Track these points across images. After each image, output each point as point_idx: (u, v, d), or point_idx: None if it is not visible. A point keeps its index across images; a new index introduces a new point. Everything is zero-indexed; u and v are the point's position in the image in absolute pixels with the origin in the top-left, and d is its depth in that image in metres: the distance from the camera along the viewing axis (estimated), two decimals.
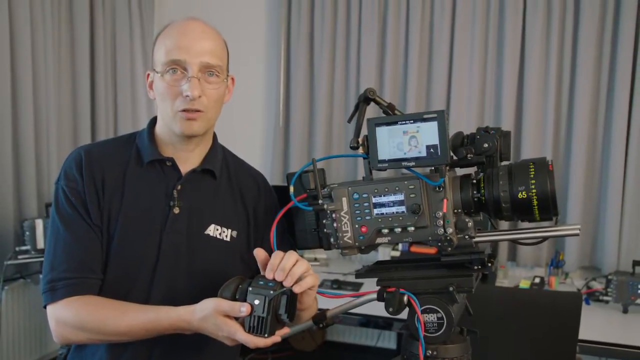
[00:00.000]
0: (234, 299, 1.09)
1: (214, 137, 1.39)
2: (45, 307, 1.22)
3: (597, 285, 2.89)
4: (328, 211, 1.12)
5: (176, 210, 1.27)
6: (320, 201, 1.13)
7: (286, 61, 3.64)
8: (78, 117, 3.33)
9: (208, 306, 1.10)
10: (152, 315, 1.16)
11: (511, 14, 3.20)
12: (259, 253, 1.14)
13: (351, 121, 1.17)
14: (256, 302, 1.06)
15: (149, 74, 1.31)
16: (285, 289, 1.07)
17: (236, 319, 1.09)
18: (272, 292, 1.06)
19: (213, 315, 1.08)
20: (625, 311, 2.61)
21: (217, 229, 1.31)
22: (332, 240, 1.14)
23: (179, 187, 1.29)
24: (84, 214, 1.23)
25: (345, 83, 3.55)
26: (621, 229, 3.08)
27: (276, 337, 1.08)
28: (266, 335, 1.06)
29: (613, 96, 3.10)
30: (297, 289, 1.09)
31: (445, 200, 1.04)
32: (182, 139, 1.28)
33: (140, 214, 1.26)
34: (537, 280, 2.90)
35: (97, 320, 1.17)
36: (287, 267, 1.09)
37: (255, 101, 3.76)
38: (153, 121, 1.35)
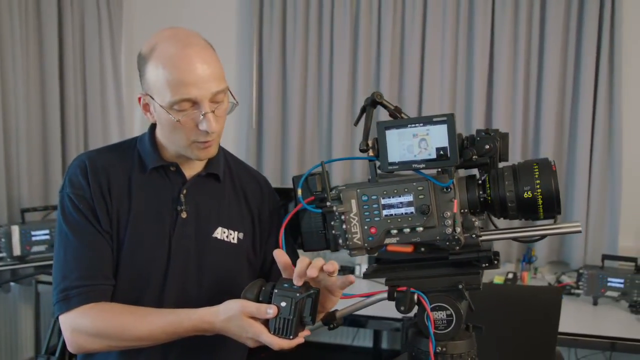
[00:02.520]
0: (257, 301, 1.09)
1: None
2: (57, 317, 1.20)
3: (567, 280, 3.00)
4: (337, 213, 1.14)
5: (184, 215, 1.27)
6: (328, 203, 1.15)
7: (258, 62, 3.63)
8: (47, 121, 3.26)
9: (233, 307, 1.10)
10: (172, 318, 1.15)
11: (480, 14, 3.28)
12: (280, 255, 1.14)
13: (357, 124, 1.19)
14: (283, 304, 1.07)
15: (140, 97, 1.27)
16: (311, 291, 1.08)
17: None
18: (298, 294, 1.07)
19: (239, 316, 1.09)
20: (595, 303, 2.72)
21: (224, 232, 1.31)
22: (340, 241, 1.15)
23: (184, 191, 1.29)
24: (93, 220, 1.22)
25: (318, 83, 3.57)
26: (587, 225, 3.20)
27: (300, 339, 1.09)
28: (291, 337, 1.07)
29: (578, 97, 3.21)
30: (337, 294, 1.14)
31: (455, 201, 1.07)
32: None
33: (149, 220, 1.25)
34: (510, 275, 2.99)
35: (116, 327, 1.16)
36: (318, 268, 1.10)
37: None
38: (153, 126, 1.34)
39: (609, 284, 2.66)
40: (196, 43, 1.20)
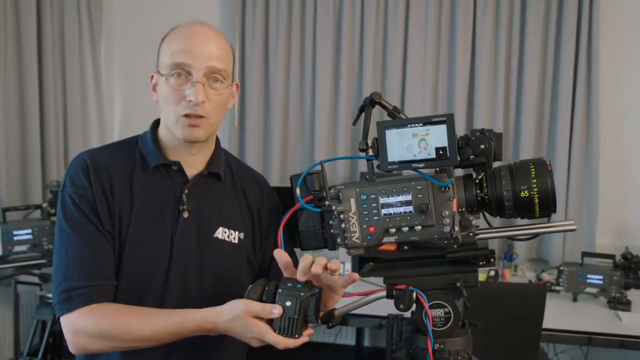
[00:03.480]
0: (261, 300, 1.10)
1: (217, 140, 1.38)
2: (58, 318, 1.18)
3: (548, 277, 3.05)
4: (336, 212, 1.14)
5: (185, 215, 1.27)
6: (327, 202, 1.15)
7: (240, 61, 3.62)
8: (26, 121, 3.22)
9: (237, 307, 1.10)
10: (176, 318, 1.15)
11: (462, 14, 3.32)
12: (281, 255, 1.15)
13: (355, 124, 1.19)
14: (288, 303, 1.07)
15: (153, 76, 1.30)
16: (315, 290, 1.09)
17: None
18: (302, 293, 1.07)
19: (243, 316, 1.09)
20: (575, 299, 2.78)
21: (225, 232, 1.31)
22: (339, 240, 1.16)
23: (186, 191, 1.28)
24: (94, 220, 1.20)
25: (300, 83, 3.57)
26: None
27: (304, 338, 1.10)
28: (297, 336, 1.08)
29: (557, 99, 3.28)
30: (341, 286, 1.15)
31: (454, 200, 1.08)
32: (185, 143, 1.27)
33: (151, 219, 1.25)
34: (492, 273, 3.03)
35: (119, 327, 1.15)
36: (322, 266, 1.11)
37: None
38: (155, 124, 1.33)
39: (588, 280, 2.72)
40: (208, 26, 1.28)
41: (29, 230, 2.46)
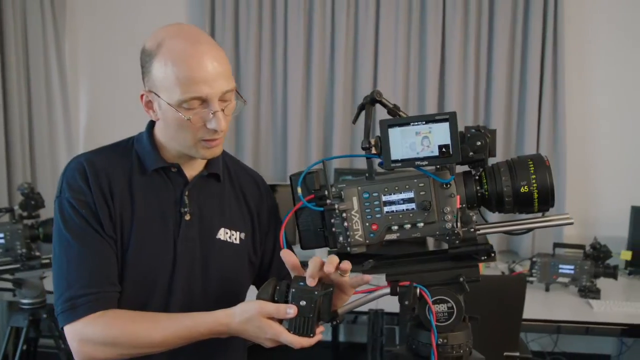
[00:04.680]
0: (272, 300, 1.09)
1: None
2: (62, 327, 1.14)
3: (520, 268, 3.13)
4: (338, 211, 1.14)
5: (187, 217, 1.25)
6: (328, 201, 1.15)
7: None
8: None
9: (250, 308, 1.09)
10: (187, 322, 1.13)
11: (432, 11, 3.36)
12: (288, 255, 1.14)
13: (355, 122, 1.20)
14: (302, 303, 1.06)
15: (143, 95, 1.22)
16: (329, 289, 1.08)
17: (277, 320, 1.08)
18: (316, 292, 1.07)
19: (257, 317, 1.07)
20: (547, 289, 2.86)
21: (227, 233, 1.29)
22: (341, 239, 1.16)
23: (187, 192, 1.26)
24: (96, 226, 1.17)
25: (271, 83, 3.55)
26: (535, 216, 3.34)
27: (318, 336, 1.09)
28: (312, 335, 1.07)
29: (525, 93, 3.36)
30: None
31: (458, 197, 1.10)
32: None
33: (153, 223, 1.22)
34: None
35: (129, 334, 1.12)
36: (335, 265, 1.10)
37: None
38: (151, 125, 1.30)
39: (560, 270, 2.80)
40: (206, 40, 1.18)
41: (1, 235, 2.38)
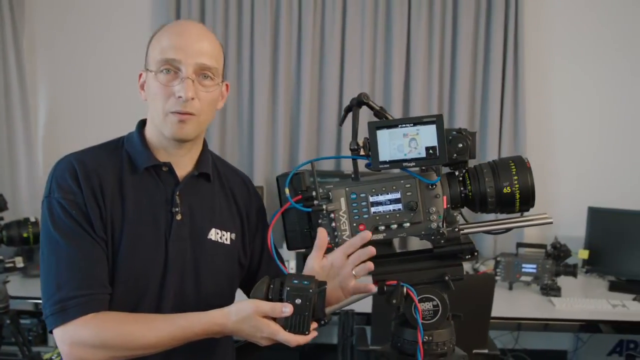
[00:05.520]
0: (267, 299, 1.09)
1: (204, 141, 1.35)
2: (51, 331, 1.12)
3: (483, 267, 3.20)
4: (326, 212, 1.16)
5: (179, 217, 1.23)
6: (316, 202, 1.17)
7: None
8: None
9: (246, 308, 1.08)
10: (182, 322, 1.12)
11: (397, 16, 3.42)
12: (322, 233, 1.16)
13: (342, 124, 1.22)
14: (298, 301, 1.07)
15: (141, 74, 1.26)
16: (323, 287, 1.09)
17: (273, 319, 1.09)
18: (311, 290, 1.07)
19: (253, 317, 1.07)
20: (510, 288, 2.94)
21: (218, 233, 1.29)
22: (329, 239, 1.17)
23: (178, 192, 1.25)
24: (86, 226, 1.15)
25: (238, 84, 3.53)
26: (497, 216, 3.43)
27: (314, 333, 1.10)
28: (307, 333, 1.08)
29: (487, 96, 3.45)
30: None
31: (444, 197, 1.13)
32: (174, 143, 1.24)
33: (144, 223, 1.20)
34: None
35: (122, 336, 1.10)
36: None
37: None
38: (141, 124, 1.28)
39: (523, 269, 2.88)
40: (199, 24, 1.26)
41: None
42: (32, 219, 2.33)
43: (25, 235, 2.29)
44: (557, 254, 2.90)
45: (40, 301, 2.41)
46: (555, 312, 2.68)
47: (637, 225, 3.11)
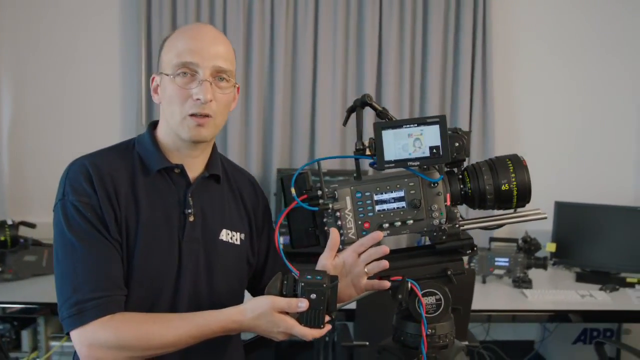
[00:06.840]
0: (281, 295, 1.11)
1: (214, 143, 1.36)
2: (67, 332, 1.10)
3: None
4: (332, 210, 1.18)
5: (191, 218, 1.24)
6: (321, 201, 1.19)
7: (147, 58, 3.47)
8: None
9: (262, 304, 1.10)
10: (199, 320, 1.13)
11: (369, 17, 3.46)
12: (334, 233, 1.19)
13: (346, 125, 1.24)
14: (313, 296, 1.09)
15: (154, 78, 1.27)
16: (335, 281, 1.11)
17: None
18: (324, 285, 1.09)
19: (269, 312, 1.09)
20: (484, 281, 3.02)
21: (228, 234, 1.30)
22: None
23: (190, 193, 1.25)
24: (101, 229, 1.14)
25: None
26: (467, 210, 3.53)
27: (328, 326, 1.12)
28: (322, 326, 1.11)
29: (457, 94, 3.53)
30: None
31: (448, 195, 1.17)
32: (189, 144, 1.25)
33: (158, 225, 1.21)
34: None
35: (141, 336, 1.11)
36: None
37: (113, 98, 3.50)
38: (152, 126, 1.28)
39: (496, 263, 2.97)
40: (214, 28, 1.28)
41: None
42: (9, 222, 2.28)
43: (2, 238, 2.24)
44: (528, 247, 3.00)
45: (9, 305, 2.40)
46: (528, 304, 2.77)
47: (601, 218, 3.24)
